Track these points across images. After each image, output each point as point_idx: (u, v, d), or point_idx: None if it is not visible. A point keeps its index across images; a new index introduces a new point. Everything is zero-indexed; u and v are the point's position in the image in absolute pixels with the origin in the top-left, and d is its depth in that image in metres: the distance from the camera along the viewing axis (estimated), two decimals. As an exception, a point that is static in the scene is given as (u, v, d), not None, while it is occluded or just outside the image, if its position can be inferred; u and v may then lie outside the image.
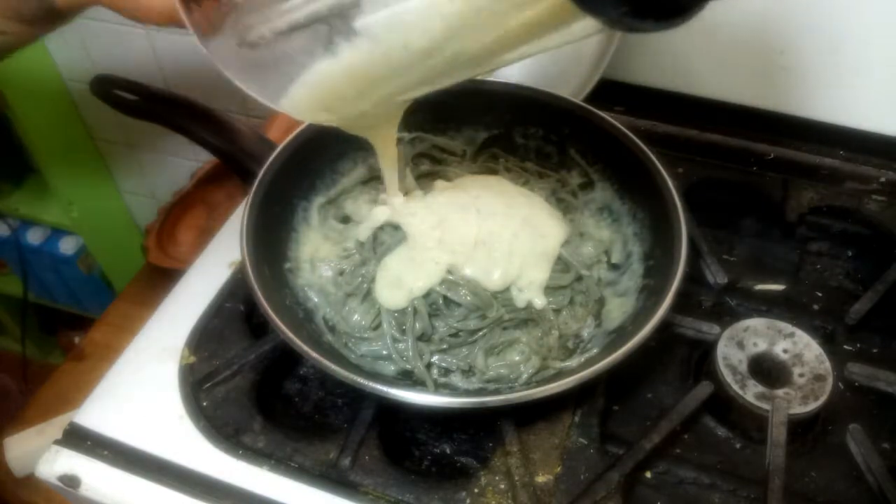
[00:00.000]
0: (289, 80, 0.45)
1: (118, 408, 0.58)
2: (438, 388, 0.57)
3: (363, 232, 0.65)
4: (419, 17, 0.37)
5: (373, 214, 0.65)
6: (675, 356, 0.64)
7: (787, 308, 0.67)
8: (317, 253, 0.66)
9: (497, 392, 0.57)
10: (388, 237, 0.63)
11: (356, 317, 0.61)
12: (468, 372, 0.59)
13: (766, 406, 0.55)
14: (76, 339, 1.14)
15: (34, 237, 1.61)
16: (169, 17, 0.52)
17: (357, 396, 0.59)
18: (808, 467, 0.57)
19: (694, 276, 0.67)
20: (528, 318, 0.61)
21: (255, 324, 0.64)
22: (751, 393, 0.56)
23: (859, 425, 0.57)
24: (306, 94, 0.46)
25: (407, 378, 0.58)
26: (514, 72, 0.79)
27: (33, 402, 1.04)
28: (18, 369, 1.61)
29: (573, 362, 0.59)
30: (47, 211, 1.55)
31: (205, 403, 0.58)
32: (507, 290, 0.61)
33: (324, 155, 0.71)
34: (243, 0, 0.43)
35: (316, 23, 0.41)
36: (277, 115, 1.10)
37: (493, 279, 0.60)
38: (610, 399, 0.60)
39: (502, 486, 0.54)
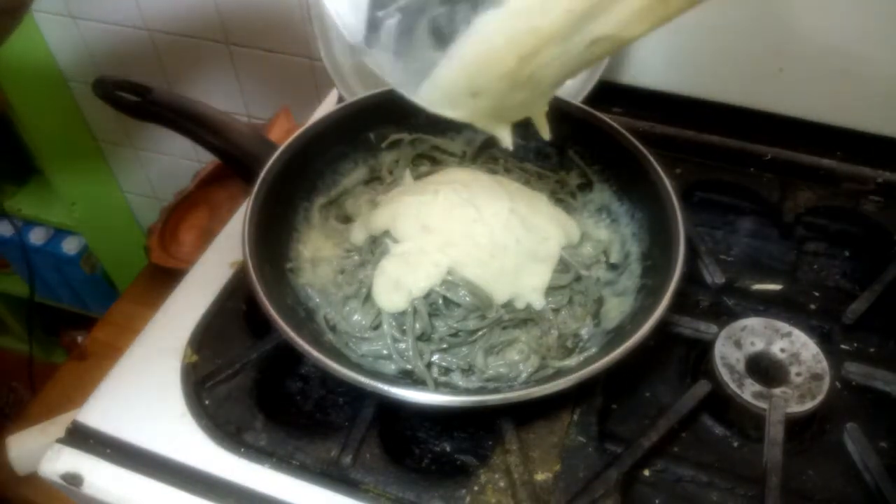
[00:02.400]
0: (431, 62, 0.41)
1: (121, 406, 0.59)
2: (438, 386, 0.58)
3: (358, 235, 0.66)
4: None
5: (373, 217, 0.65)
6: (673, 355, 0.65)
7: (784, 308, 0.68)
8: (318, 253, 0.67)
9: (497, 391, 0.57)
10: (387, 237, 0.63)
11: (357, 317, 0.61)
12: (468, 371, 0.59)
13: (763, 405, 0.56)
14: (79, 339, 1.14)
15: (37, 237, 1.62)
16: None
17: (358, 395, 0.59)
18: (806, 466, 0.57)
19: (692, 276, 0.68)
20: (527, 318, 0.61)
21: (256, 323, 0.64)
22: (748, 392, 0.57)
23: (856, 424, 0.58)
24: (454, 74, 0.42)
25: (407, 377, 0.58)
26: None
27: (36, 401, 1.05)
28: (24, 370, 1.62)
29: (572, 361, 0.59)
30: (50, 211, 1.56)
31: (207, 402, 0.59)
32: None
33: (325, 156, 0.71)
34: None
35: None
36: (279, 116, 1.10)
37: (497, 292, 0.60)
38: (608, 398, 0.60)
39: (502, 484, 0.54)
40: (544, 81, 0.47)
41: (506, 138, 0.55)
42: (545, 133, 0.56)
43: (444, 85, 0.44)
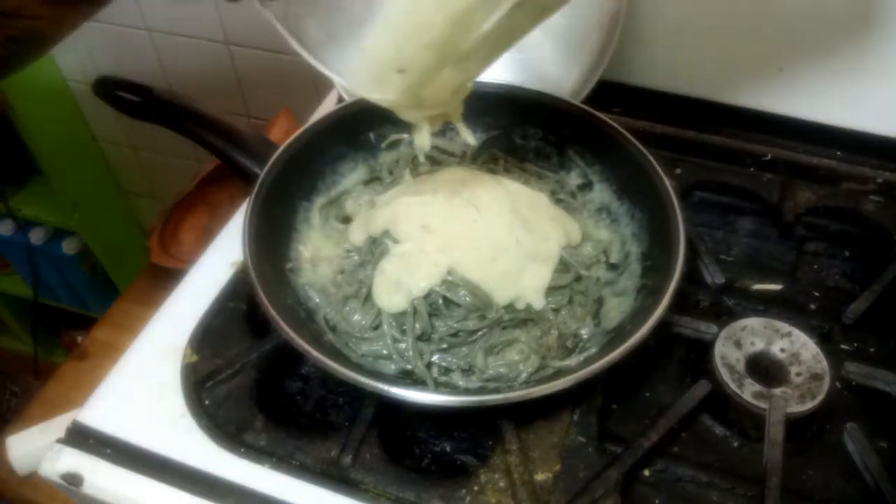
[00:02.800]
0: (357, 19, 0.40)
1: (121, 406, 0.59)
2: (438, 386, 0.58)
3: (358, 235, 0.65)
4: None
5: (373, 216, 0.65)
6: (673, 355, 0.65)
7: (784, 308, 0.67)
8: (318, 253, 0.67)
9: (497, 391, 0.57)
10: (387, 237, 0.63)
11: (357, 317, 0.61)
12: (468, 371, 0.59)
13: (763, 405, 0.56)
14: (79, 339, 1.15)
15: (37, 237, 1.62)
16: None
17: (358, 395, 0.59)
18: (806, 466, 0.57)
19: (692, 276, 0.68)
20: (527, 318, 0.61)
21: (256, 323, 0.64)
22: (748, 392, 0.57)
23: (856, 424, 0.58)
24: (383, 42, 0.40)
25: (407, 377, 0.58)
26: (513, 74, 0.79)
27: (36, 401, 1.05)
28: (27, 370, 1.62)
29: (572, 361, 0.59)
30: (50, 211, 1.56)
31: (207, 402, 0.58)
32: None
33: (325, 156, 0.71)
34: None
35: None
36: (279, 116, 1.10)
37: (498, 293, 0.60)
38: (608, 398, 0.60)
39: (502, 484, 0.54)
40: (470, 59, 0.45)
41: (424, 134, 0.54)
42: (421, 140, 0.56)
43: (372, 57, 0.42)
